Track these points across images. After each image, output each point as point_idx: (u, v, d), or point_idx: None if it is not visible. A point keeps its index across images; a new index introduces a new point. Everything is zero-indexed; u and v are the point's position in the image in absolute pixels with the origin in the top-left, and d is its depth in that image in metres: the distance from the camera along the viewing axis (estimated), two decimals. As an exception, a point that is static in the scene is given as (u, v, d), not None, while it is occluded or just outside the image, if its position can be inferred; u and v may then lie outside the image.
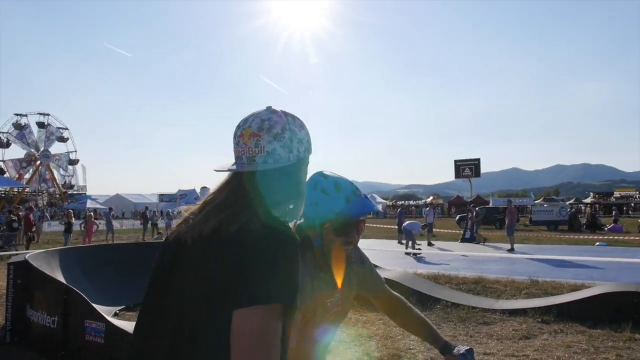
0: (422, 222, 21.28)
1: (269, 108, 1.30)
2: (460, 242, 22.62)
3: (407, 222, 19.82)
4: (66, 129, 64.81)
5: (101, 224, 27.01)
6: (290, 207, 1.29)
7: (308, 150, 1.30)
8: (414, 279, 9.43)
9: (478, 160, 25.69)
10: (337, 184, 1.69)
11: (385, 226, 32.03)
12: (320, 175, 1.72)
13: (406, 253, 17.59)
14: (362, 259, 2.01)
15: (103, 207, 50.93)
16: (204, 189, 25.08)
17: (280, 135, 1.22)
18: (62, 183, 64.62)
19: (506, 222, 19.50)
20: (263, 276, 1.03)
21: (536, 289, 9.57)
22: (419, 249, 18.25)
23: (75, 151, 66.27)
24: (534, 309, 7.39)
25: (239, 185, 1.24)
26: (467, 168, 25.64)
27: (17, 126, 60.38)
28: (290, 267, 1.07)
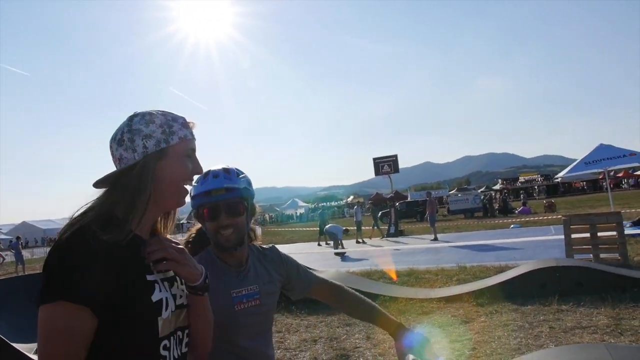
0: (343, 227, 21.50)
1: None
2: (386, 237, 23.14)
3: (329, 225, 20.01)
4: None
5: (8, 256, 24.83)
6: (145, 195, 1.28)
7: (164, 140, 1.30)
8: (349, 277, 9.45)
9: (395, 156, 26.35)
10: (207, 172, 1.76)
11: (310, 229, 32.13)
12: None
13: (335, 254, 17.69)
14: (280, 256, 2.04)
15: (8, 236, 46.98)
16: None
17: (120, 139, 1.29)
18: None
19: (427, 213, 20.20)
20: (50, 272, 1.12)
21: (465, 275, 9.94)
22: (344, 250, 18.41)
23: None
24: (467, 293, 7.63)
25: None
26: (386, 165, 26.16)
27: None
28: (81, 264, 1.11)
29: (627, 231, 11.82)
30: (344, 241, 19.56)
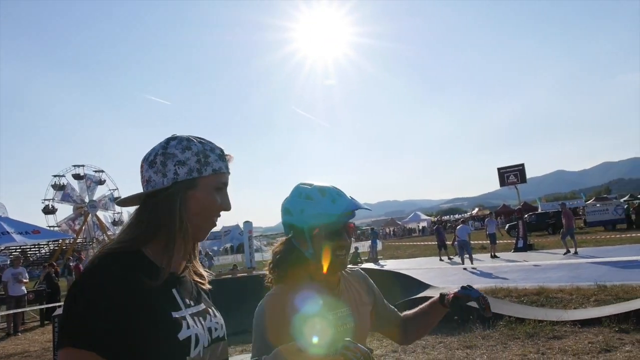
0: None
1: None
2: (514, 251, 21.63)
3: (459, 228, 18.85)
4: (102, 171, 65.92)
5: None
6: (173, 227, 1.23)
7: (197, 170, 1.26)
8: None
9: (522, 165, 24.66)
10: (321, 189, 1.69)
11: (432, 243, 31.15)
12: (302, 184, 1.74)
13: (464, 268, 16.85)
14: (366, 279, 1.97)
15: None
16: (247, 223, 24.79)
17: (153, 161, 1.25)
18: (113, 221, 65.55)
19: (564, 226, 18.54)
20: (63, 317, 1.07)
21: (606, 295, 8.84)
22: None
23: (117, 189, 67.29)
24: (609, 317, 6.74)
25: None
26: (512, 175, 24.57)
27: (56, 187, 61.80)
28: (90, 306, 1.05)
29: None
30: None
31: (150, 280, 1.15)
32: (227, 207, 1.32)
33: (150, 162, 1.25)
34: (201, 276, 1.42)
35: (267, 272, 1.80)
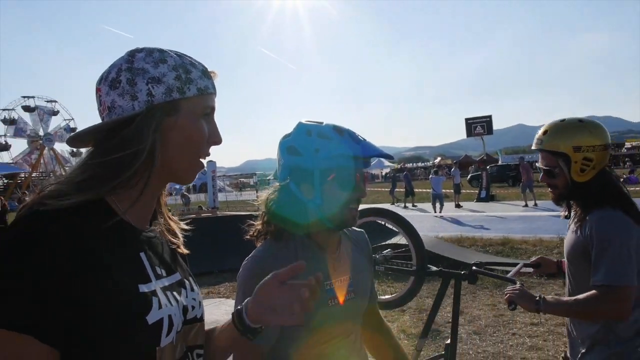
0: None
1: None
2: (476, 201, 22.09)
3: (433, 178, 19.02)
4: (55, 101, 62.76)
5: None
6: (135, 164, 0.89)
7: (178, 89, 0.93)
8: (438, 243, 8.94)
9: (489, 117, 24.92)
10: (337, 127, 1.40)
11: (396, 190, 31.59)
12: (308, 122, 1.43)
13: (438, 216, 17.14)
14: (369, 247, 1.71)
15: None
16: (210, 162, 24.06)
17: (115, 80, 0.91)
18: (71, 152, 62.51)
19: (523, 179, 18.92)
20: None
21: (568, 247, 9.04)
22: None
23: (72, 119, 64.16)
24: (574, 269, 6.86)
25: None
26: (479, 126, 24.81)
27: (6, 121, 59.16)
28: (25, 273, 0.73)
29: None
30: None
31: (112, 239, 0.86)
32: (218, 139, 1.03)
33: (112, 81, 0.91)
34: (175, 234, 1.10)
35: (258, 225, 1.49)
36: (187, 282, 1.03)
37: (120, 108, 0.90)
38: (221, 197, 26.94)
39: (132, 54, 0.93)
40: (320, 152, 1.35)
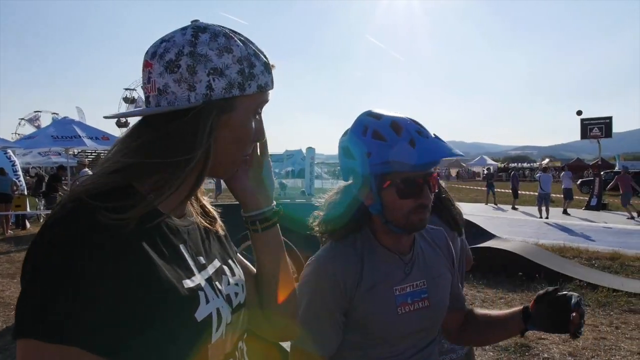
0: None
1: (192, 22, 0.88)
2: (585, 209, 20.39)
3: (543, 176, 17.79)
4: None
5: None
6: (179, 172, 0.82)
7: (239, 86, 0.84)
8: (538, 251, 8.33)
9: (610, 118, 22.65)
10: (395, 123, 1.24)
11: (497, 190, 30.26)
12: (369, 115, 1.29)
13: (544, 220, 16.14)
14: (448, 246, 1.53)
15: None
16: (309, 149, 24.59)
17: (174, 63, 0.81)
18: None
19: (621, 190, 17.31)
20: (21, 295, 0.68)
21: (692, 270, 8.03)
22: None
23: None
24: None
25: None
26: (596, 127, 22.74)
27: (127, 100, 63.47)
28: (68, 281, 0.66)
29: None
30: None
31: (154, 236, 0.80)
32: (262, 137, 0.96)
33: (169, 63, 0.82)
34: (210, 217, 1.03)
35: (316, 228, 1.41)
36: (226, 267, 0.97)
37: (173, 95, 0.82)
38: (317, 183, 27.39)
39: (195, 35, 0.83)
40: (372, 157, 1.24)
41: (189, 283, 0.81)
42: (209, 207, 1.05)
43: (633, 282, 7.21)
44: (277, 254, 1.04)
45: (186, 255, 0.85)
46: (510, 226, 14.68)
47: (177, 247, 0.85)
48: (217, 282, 0.90)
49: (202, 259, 0.90)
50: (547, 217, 16.70)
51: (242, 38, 0.88)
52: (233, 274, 0.98)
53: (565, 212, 18.82)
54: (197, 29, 0.84)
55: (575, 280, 6.84)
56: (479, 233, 9.04)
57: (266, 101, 0.92)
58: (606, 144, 25.17)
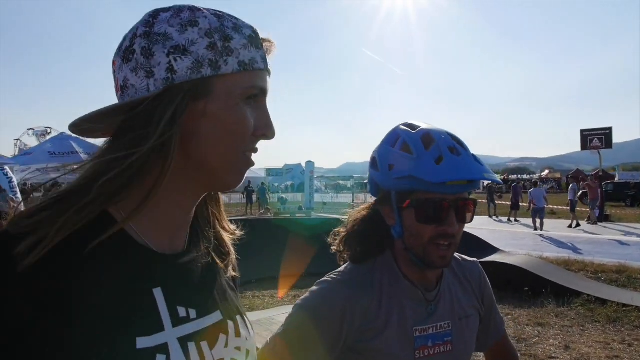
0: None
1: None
2: (587, 221, 20.21)
3: (534, 191, 17.46)
4: None
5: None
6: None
7: (211, 63, 0.67)
8: (543, 265, 8.17)
9: (609, 129, 22.58)
10: (427, 136, 1.10)
11: (498, 202, 30.06)
12: (404, 125, 1.18)
13: (538, 234, 15.87)
14: (481, 279, 1.35)
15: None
16: (309, 163, 24.50)
17: (128, 50, 0.68)
18: None
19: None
20: None
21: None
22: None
23: None
24: None
25: None
26: (597, 138, 22.67)
27: None
28: None
29: None
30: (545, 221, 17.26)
31: (111, 269, 0.64)
32: (269, 132, 0.75)
33: (125, 52, 0.68)
34: (224, 252, 0.85)
35: (336, 247, 1.27)
36: (231, 323, 0.76)
37: (133, 88, 0.67)
38: (317, 197, 27.23)
39: (155, 14, 0.69)
40: (394, 170, 1.11)
41: (145, 342, 0.62)
42: (226, 237, 0.87)
43: (642, 296, 7.04)
44: None
45: (159, 303, 0.67)
46: (513, 239, 14.51)
47: (148, 291, 0.67)
48: (204, 342, 0.71)
49: (182, 311, 0.70)
50: (541, 230, 16.48)
51: (216, 12, 0.71)
52: (238, 334, 0.77)
53: (575, 225, 18.20)
54: (158, 9, 0.70)
55: (584, 295, 6.68)
56: (481, 247, 8.88)
57: (259, 86, 0.72)
58: (605, 154, 25.13)
